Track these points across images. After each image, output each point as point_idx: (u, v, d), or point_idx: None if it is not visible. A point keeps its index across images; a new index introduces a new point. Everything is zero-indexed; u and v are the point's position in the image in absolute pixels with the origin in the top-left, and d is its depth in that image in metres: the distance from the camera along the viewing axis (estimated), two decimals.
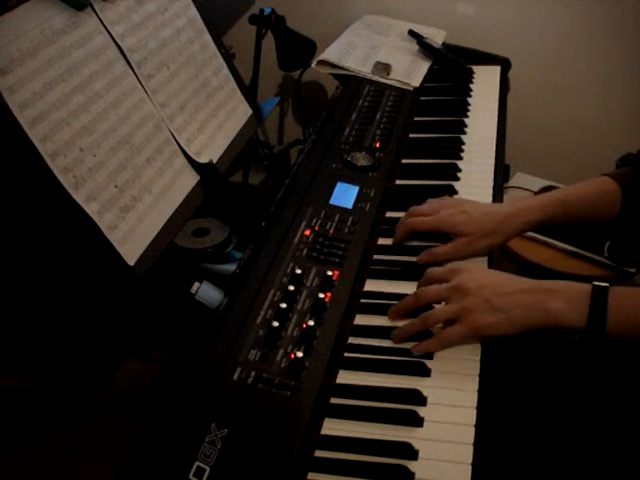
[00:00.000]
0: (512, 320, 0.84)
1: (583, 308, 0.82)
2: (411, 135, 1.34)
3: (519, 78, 1.66)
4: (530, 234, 1.51)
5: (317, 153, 1.20)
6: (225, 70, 1.23)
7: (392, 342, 0.88)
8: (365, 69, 1.46)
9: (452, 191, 1.15)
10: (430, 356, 0.86)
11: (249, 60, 1.65)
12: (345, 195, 1.10)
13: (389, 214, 1.12)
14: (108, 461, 0.81)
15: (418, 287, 0.93)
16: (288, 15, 1.67)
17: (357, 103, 1.36)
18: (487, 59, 1.61)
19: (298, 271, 0.91)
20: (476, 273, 0.88)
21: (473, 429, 0.77)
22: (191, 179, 1.05)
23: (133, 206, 0.92)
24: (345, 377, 0.85)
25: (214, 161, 1.09)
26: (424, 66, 1.52)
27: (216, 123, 1.15)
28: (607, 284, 0.84)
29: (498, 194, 1.15)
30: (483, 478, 0.72)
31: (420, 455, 0.74)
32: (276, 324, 0.83)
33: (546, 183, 1.73)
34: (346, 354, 0.88)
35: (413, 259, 1.02)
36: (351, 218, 1.05)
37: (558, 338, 0.89)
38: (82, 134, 0.89)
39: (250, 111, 1.26)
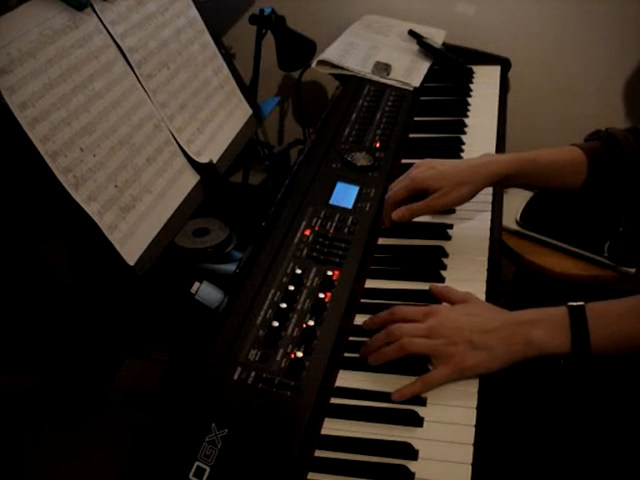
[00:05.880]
0: (495, 356, 0.82)
1: (565, 332, 0.82)
2: (411, 135, 1.34)
3: (519, 78, 1.66)
4: (530, 234, 1.51)
5: (317, 153, 1.20)
6: (225, 70, 1.23)
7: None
8: (365, 69, 1.46)
9: None
10: None
11: (249, 60, 1.65)
12: (345, 195, 1.10)
13: None
14: (108, 461, 0.81)
15: (381, 319, 0.89)
16: (288, 15, 1.67)
17: (357, 103, 1.36)
18: (487, 59, 1.61)
19: (298, 271, 0.91)
20: (451, 314, 0.86)
21: (473, 429, 0.77)
22: (191, 179, 1.05)
23: (133, 206, 0.92)
24: (345, 377, 0.85)
25: (214, 161, 1.09)
26: (424, 66, 1.52)
27: (216, 123, 1.16)
28: (582, 303, 0.83)
29: (498, 194, 1.15)
30: (483, 478, 0.73)
31: (420, 455, 0.75)
32: (276, 324, 0.83)
33: None
34: (346, 354, 0.88)
35: (413, 259, 1.02)
36: (351, 218, 1.05)
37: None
38: (82, 134, 0.89)
39: (250, 111, 1.26)
